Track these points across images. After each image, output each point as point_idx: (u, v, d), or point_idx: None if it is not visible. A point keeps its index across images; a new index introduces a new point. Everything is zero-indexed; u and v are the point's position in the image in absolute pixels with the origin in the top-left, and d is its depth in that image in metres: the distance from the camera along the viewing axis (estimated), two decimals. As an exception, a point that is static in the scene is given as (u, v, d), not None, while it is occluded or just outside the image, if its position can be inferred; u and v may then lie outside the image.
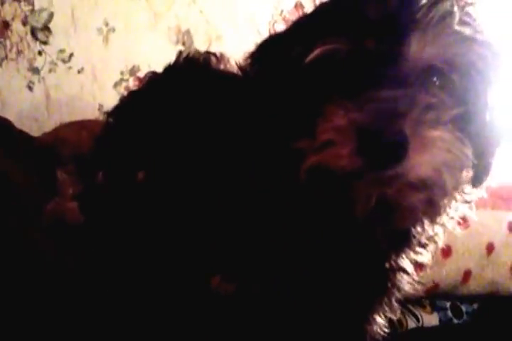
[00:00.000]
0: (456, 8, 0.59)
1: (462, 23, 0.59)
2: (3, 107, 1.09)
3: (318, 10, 0.65)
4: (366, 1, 0.59)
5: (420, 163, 0.55)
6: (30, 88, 1.41)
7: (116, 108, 0.92)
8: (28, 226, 0.82)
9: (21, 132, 1.04)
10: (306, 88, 0.60)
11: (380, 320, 0.79)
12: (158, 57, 0.90)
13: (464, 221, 1.28)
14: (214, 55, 0.88)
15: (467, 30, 0.59)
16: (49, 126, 1.22)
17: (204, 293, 0.74)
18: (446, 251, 1.23)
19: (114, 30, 1.53)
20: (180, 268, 0.76)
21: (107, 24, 1.52)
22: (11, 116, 1.08)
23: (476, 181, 0.68)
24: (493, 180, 0.71)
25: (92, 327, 0.76)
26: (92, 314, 0.77)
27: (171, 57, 0.90)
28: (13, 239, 0.78)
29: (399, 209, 0.59)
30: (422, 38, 0.57)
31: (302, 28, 0.65)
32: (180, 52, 0.91)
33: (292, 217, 0.66)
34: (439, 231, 0.74)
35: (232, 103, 0.72)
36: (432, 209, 0.61)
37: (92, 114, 1.33)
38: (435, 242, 0.75)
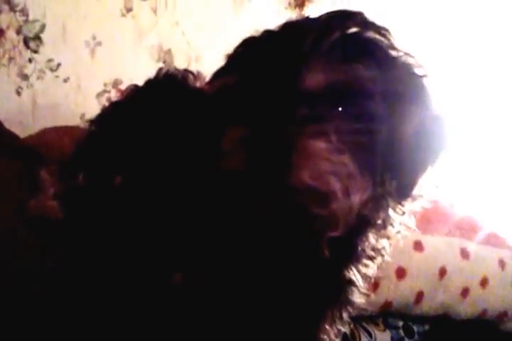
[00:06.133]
0: (349, 38, 0.65)
1: (360, 50, 0.65)
2: (-9, 109, 1.12)
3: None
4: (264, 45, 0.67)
5: (301, 170, 0.60)
6: (18, 93, 1.46)
7: (99, 117, 0.94)
8: (12, 218, 0.85)
9: (9, 131, 1.08)
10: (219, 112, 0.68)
11: (330, 329, 0.80)
12: (140, 72, 0.93)
13: (419, 245, 1.34)
14: (192, 73, 0.92)
15: (365, 57, 0.65)
16: (33, 129, 1.25)
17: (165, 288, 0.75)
18: (401, 273, 1.28)
19: (100, 44, 1.58)
20: (146, 262, 0.78)
21: (94, 38, 1.57)
22: (-2, 118, 1.11)
23: (400, 193, 0.71)
24: (435, 195, 0.76)
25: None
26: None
27: (152, 73, 0.94)
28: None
29: (311, 217, 0.63)
30: (308, 67, 0.63)
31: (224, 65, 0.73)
32: (160, 69, 0.94)
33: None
34: (385, 244, 0.77)
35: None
36: (341, 217, 0.63)
37: (74, 121, 1.36)
38: (382, 255, 0.78)
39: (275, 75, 0.63)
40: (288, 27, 0.68)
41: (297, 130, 0.61)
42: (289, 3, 1.95)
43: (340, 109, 0.63)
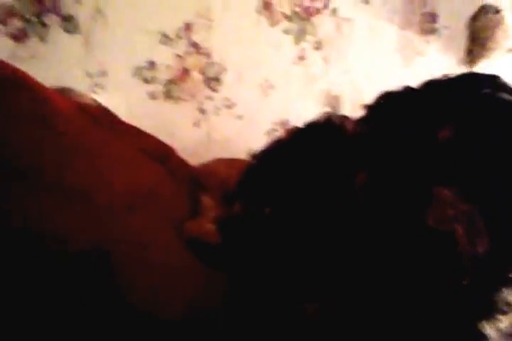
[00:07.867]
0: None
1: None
2: (172, 138, 1.22)
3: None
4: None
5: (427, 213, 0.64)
6: (196, 125, 1.60)
7: (261, 152, 1.02)
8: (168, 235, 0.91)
9: (180, 158, 1.18)
10: None
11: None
12: (307, 115, 0.98)
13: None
14: (349, 119, 0.94)
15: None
16: (205, 160, 1.34)
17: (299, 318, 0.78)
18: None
19: (273, 87, 1.70)
20: (285, 291, 0.81)
21: (267, 81, 1.69)
22: (177, 147, 1.22)
23: None
24: None
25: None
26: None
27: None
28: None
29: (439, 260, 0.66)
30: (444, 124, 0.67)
31: None
32: (323, 113, 0.98)
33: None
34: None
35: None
36: (467, 263, 0.66)
37: (242, 156, 1.40)
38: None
39: (413, 126, 0.68)
40: (429, 85, 0.72)
41: (429, 176, 0.65)
42: (460, 59, 1.94)
43: (471, 159, 0.66)
